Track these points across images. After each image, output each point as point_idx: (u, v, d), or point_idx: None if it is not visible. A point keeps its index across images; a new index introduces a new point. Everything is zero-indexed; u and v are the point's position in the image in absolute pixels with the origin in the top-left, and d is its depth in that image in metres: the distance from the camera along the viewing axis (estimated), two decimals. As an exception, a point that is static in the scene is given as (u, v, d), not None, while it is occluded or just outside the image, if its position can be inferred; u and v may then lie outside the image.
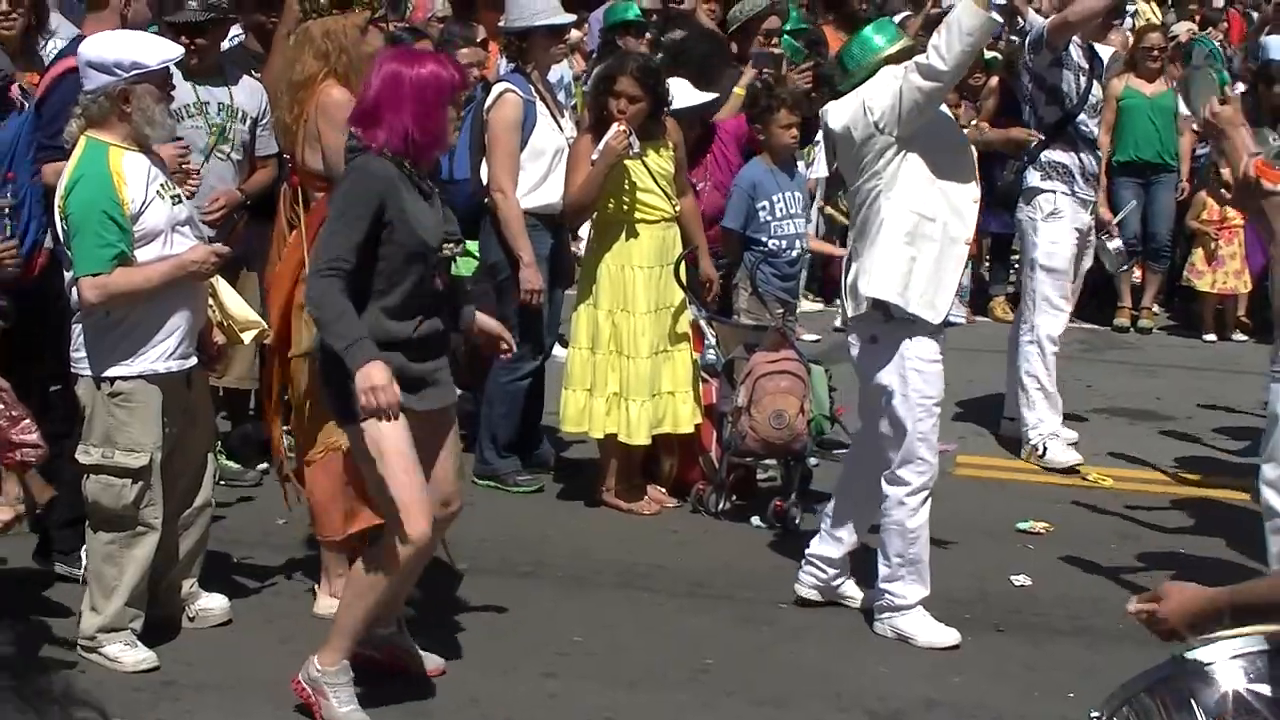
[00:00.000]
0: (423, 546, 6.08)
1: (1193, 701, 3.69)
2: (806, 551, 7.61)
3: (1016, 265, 12.68)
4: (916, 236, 7.04)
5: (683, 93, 9.09)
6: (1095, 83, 9.92)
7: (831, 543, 7.52)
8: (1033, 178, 9.95)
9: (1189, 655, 3.75)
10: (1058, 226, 9.93)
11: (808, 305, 13.19)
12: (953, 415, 10.62)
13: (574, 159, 8.84)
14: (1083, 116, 9.86)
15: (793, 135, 9.24)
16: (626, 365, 8.71)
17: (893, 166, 7.07)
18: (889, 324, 7.11)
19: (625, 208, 8.72)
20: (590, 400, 8.79)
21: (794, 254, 9.27)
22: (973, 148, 7.51)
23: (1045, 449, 10.01)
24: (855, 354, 7.31)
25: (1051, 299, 10.01)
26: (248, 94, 8.66)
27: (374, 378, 5.76)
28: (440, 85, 6.06)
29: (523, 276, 8.84)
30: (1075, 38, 9.80)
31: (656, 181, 8.70)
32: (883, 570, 7.26)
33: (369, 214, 5.93)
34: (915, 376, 7.10)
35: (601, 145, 8.50)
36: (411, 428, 6.01)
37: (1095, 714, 3.90)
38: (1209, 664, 3.72)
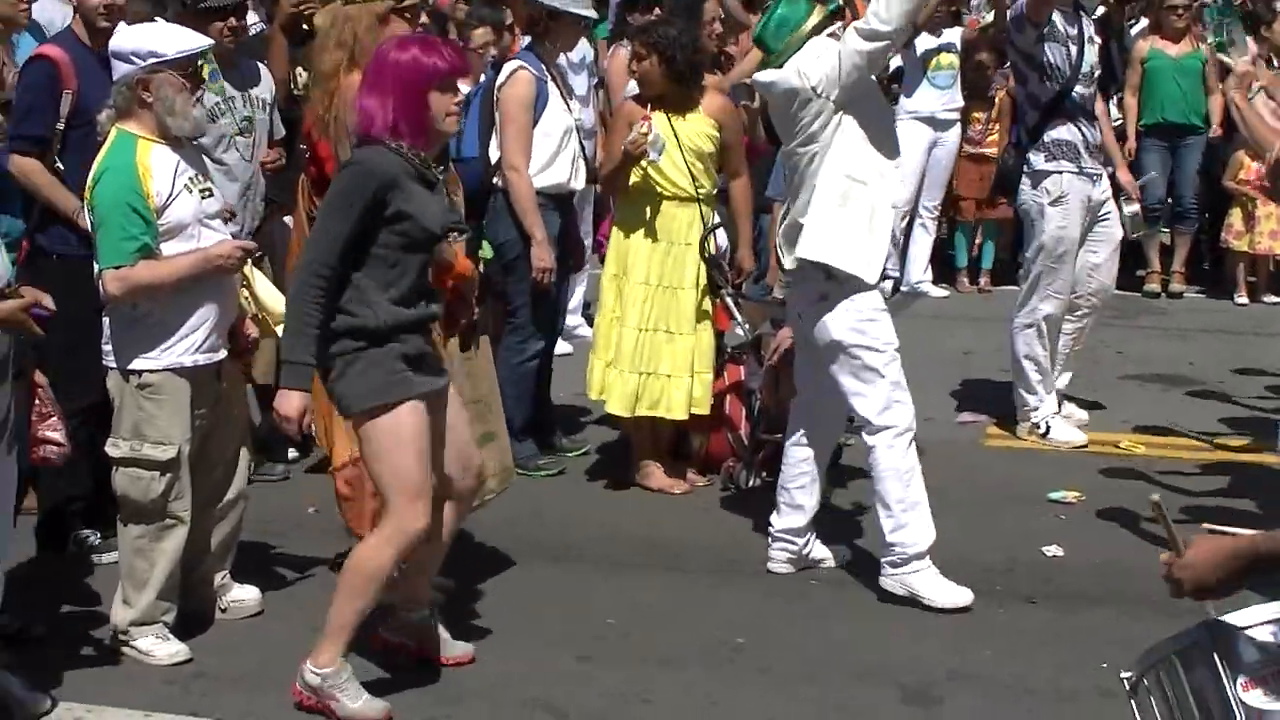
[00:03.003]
0: (417, 536, 6.07)
1: (1220, 664, 3.68)
2: (772, 530, 7.67)
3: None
4: (848, 199, 7.18)
5: None
6: (1087, 49, 9.65)
7: (793, 513, 7.62)
8: (1037, 160, 9.66)
9: (1219, 619, 3.73)
10: (1065, 210, 9.67)
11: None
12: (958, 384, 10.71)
13: (614, 126, 9.00)
14: (1078, 88, 9.63)
15: None
16: (657, 341, 8.71)
17: (829, 130, 7.18)
18: (833, 281, 7.21)
19: (642, 177, 8.72)
20: (621, 376, 8.79)
21: None
22: (894, 115, 7.61)
23: (1049, 428, 9.89)
24: (801, 315, 7.42)
25: (1055, 284, 9.77)
26: (263, 80, 8.64)
27: (287, 406, 5.94)
28: (419, 72, 5.99)
29: (534, 255, 8.84)
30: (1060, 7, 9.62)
31: (683, 155, 8.68)
32: (886, 524, 7.27)
33: (361, 211, 5.91)
34: (872, 326, 7.20)
35: (625, 142, 8.57)
36: (431, 410, 6.07)
37: (1126, 675, 3.92)
38: (1243, 628, 3.70)
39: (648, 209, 8.73)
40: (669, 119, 8.67)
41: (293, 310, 6.02)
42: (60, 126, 7.49)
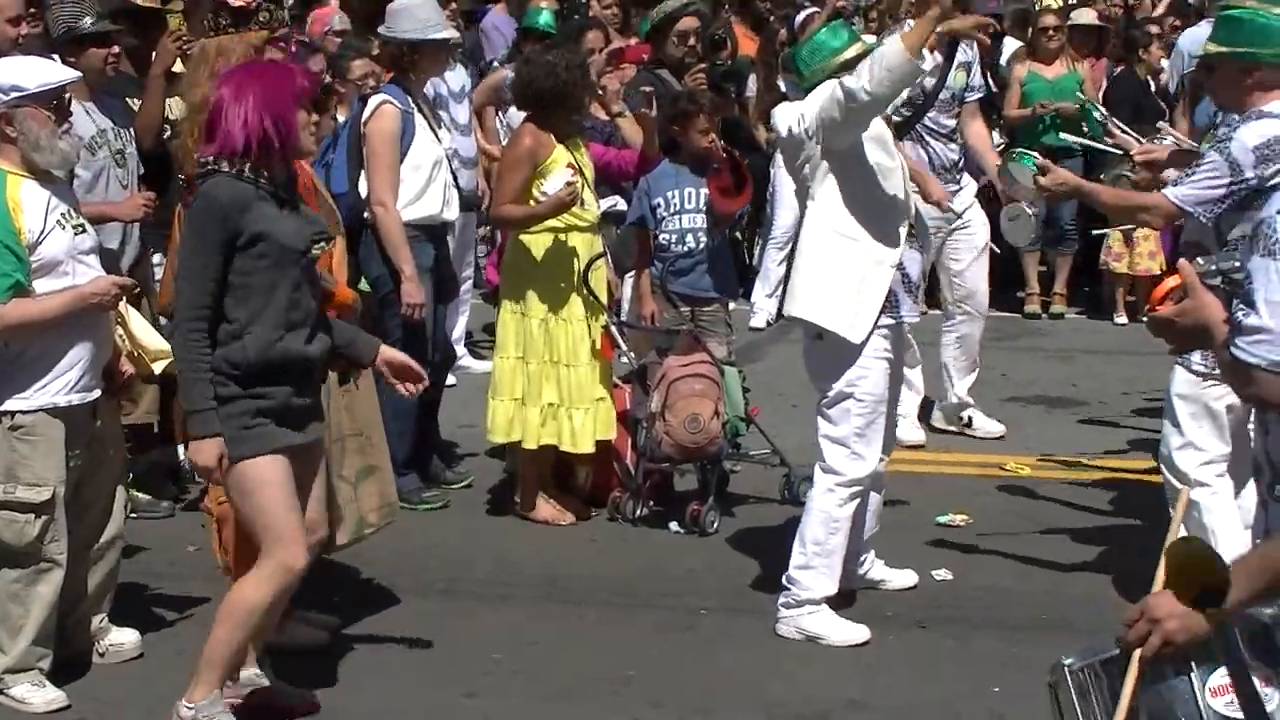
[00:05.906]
0: (298, 575, 6.02)
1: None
2: None
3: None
4: (834, 256, 7.03)
5: None
6: (953, 76, 9.67)
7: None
8: None
9: None
10: None
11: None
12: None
13: (509, 163, 8.79)
14: (932, 114, 9.68)
15: (709, 140, 9.15)
16: (565, 374, 8.62)
17: (817, 179, 7.05)
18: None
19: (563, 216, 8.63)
20: (523, 410, 8.67)
21: (684, 249, 9.10)
22: (906, 175, 7.35)
23: (971, 419, 10.25)
24: (803, 349, 7.33)
25: None
26: (129, 113, 8.55)
27: (203, 457, 5.89)
28: (285, 83, 5.98)
29: (405, 290, 8.67)
30: None
31: (585, 181, 8.65)
32: (795, 559, 7.19)
33: (216, 243, 5.86)
34: (857, 374, 7.07)
35: (551, 194, 8.44)
36: (292, 460, 5.99)
37: (1068, 661, 3.93)
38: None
39: (549, 241, 8.62)
40: (570, 149, 8.63)
41: (180, 359, 5.96)
42: None
